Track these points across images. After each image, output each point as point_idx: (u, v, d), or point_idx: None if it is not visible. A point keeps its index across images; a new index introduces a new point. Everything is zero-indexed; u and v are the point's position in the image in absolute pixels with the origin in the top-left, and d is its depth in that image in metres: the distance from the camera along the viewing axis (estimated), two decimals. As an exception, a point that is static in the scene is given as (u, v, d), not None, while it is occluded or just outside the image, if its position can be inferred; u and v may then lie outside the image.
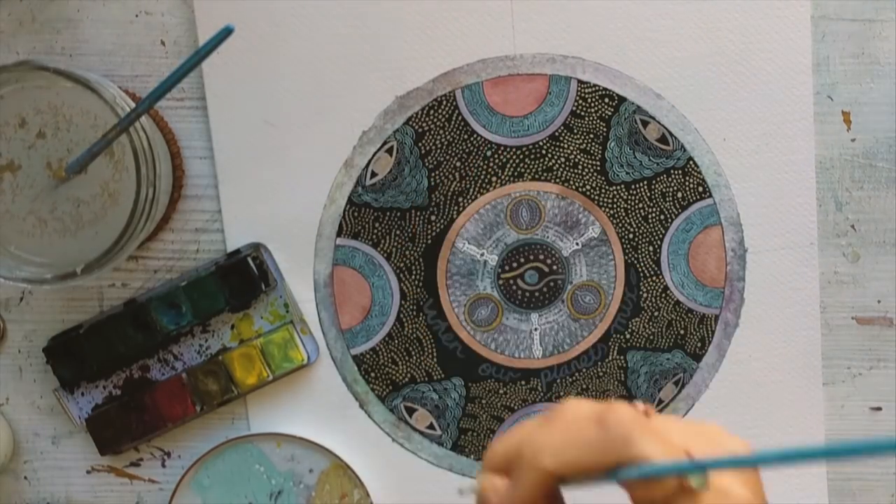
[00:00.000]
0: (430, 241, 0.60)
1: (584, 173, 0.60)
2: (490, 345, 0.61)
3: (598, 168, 0.60)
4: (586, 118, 0.59)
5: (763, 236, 0.60)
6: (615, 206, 0.60)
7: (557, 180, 0.60)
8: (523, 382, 0.61)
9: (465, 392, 0.61)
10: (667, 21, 0.59)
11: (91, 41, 0.59)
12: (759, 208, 0.60)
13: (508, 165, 0.60)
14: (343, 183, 0.60)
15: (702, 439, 0.39)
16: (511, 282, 0.61)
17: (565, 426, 0.38)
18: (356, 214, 0.60)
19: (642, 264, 0.60)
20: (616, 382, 0.61)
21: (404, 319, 0.61)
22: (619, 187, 0.60)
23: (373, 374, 0.61)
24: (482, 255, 0.60)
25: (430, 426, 0.61)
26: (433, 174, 0.60)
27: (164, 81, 0.48)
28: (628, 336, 0.61)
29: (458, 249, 0.60)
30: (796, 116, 0.59)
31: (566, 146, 0.60)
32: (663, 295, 0.60)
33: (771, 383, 0.60)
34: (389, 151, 0.60)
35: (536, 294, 0.61)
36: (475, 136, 0.60)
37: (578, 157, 0.60)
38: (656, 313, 0.61)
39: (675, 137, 0.60)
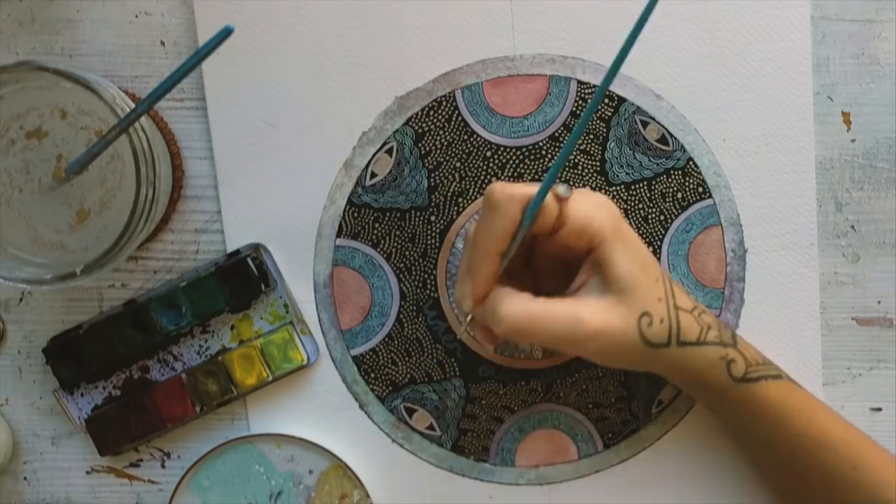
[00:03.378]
0: (430, 242, 0.60)
1: (584, 174, 0.60)
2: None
3: (598, 168, 0.60)
4: (586, 118, 0.59)
5: (763, 237, 0.60)
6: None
7: (557, 181, 0.60)
8: (523, 383, 0.61)
9: (464, 393, 0.61)
10: (666, 21, 0.59)
11: (91, 41, 0.59)
12: (758, 209, 0.60)
13: (508, 166, 0.60)
14: (343, 183, 0.60)
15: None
16: (511, 282, 0.61)
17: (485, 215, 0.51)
18: (356, 215, 0.60)
19: (642, 265, 0.60)
20: (616, 383, 0.61)
21: (404, 320, 0.61)
22: (618, 188, 0.60)
23: (373, 375, 0.61)
24: (482, 255, 0.60)
25: (430, 427, 0.61)
26: (433, 175, 0.60)
27: (163, 82, 0.48)
28: (628, 336, 0.61)
29: (458, 250, 0.60)
30: (796, 117, 0.59)
31: (566, 146, 0.60)
32: (663, 295, 0.60)
33: (771, 384, 0.60)
34: (389, 152, 0.60)
35: (536, 294, 0.61)
36: (475, 136, 0.60)
37: (578, 157, 0.60)
38: (656, 314, 0.61)
39: (675, 138, 0.60)
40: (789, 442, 0.55)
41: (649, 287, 0.51)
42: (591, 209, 0.51)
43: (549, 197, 0.50)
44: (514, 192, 0.50)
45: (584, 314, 0.50)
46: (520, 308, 0.50)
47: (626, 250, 0.51)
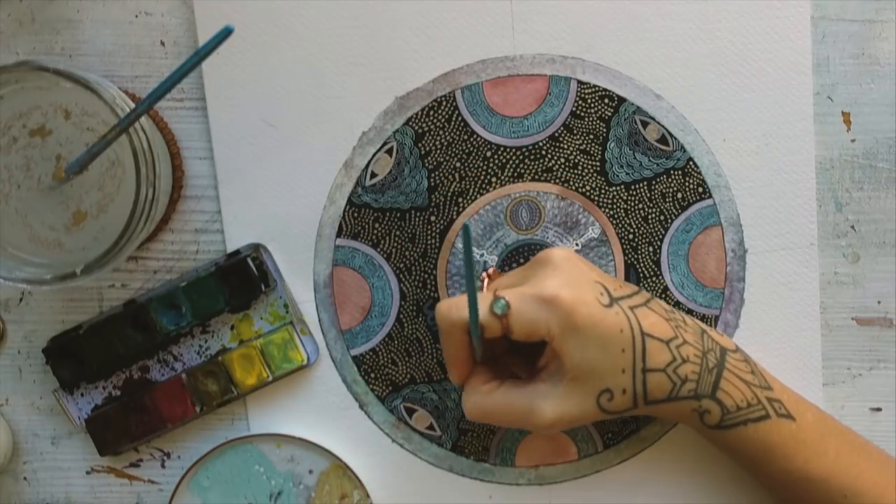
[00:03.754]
0: (430, 242, 0.60)
1: (583, 174, 0.60)
2: (490, 345, 0.61)
3: (598, 169, 0.60)
4: (586, 119, 0.59)
5: (763, 237, 0.60)
6: (615, 206, 0.60)
7: (557, 181, 0.60)
8: (523, 383, 0.61)
9: (464, 393, 0.61)
10: (667, 21, 0.59)
11: (91, 41, 0.59)
12: (758, 209, 0.60)
13: (508, 166, 0.60)
14: (343, 183, 0.60)
15: (521, 278, 0.53)
16: (511, 282, 0.61)
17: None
18: (356, 215, 0.60)
19: (642, 265, 0.60)
20: (616, 383, 0.61)
21: (404, 320, 0.61)
22: (618, 188, 0.60)
23: (372, 375, 0.61)
24: (482, 255, 0.60)
25: (430, 427, 0.61)
26: (433, 175, 0.60)
27: (163, 82, 0.48)
28: (628, 337, 0.61)
29: (458, 250, 0.60)
30: (796, 117, 0.59)
31: (566, 147, 0.60)
32: (663, 296, 0.60)
33: (771, 384, 0.60)
34: (389, 152, 0.60)
35: (536, 294, 0.61)
36: (475, 136, 0.60)
37: (578, 157, 0.60)
38: (656, 314, 0.61)
39: (675, 138, 0.60)
40: (772, 476, 0.55)
41: (611, 363, 0.51)
42: (533, 315, 0.51)
43: (489, 316, 0.51)
44: (454, 320, 0.52)
45: (537, 406, 0.52)
46: (476, 403, 0.54)
47: (579, 340, 0.51)
